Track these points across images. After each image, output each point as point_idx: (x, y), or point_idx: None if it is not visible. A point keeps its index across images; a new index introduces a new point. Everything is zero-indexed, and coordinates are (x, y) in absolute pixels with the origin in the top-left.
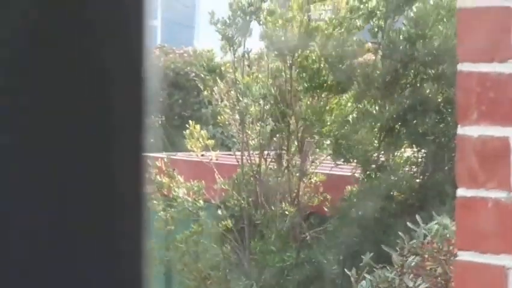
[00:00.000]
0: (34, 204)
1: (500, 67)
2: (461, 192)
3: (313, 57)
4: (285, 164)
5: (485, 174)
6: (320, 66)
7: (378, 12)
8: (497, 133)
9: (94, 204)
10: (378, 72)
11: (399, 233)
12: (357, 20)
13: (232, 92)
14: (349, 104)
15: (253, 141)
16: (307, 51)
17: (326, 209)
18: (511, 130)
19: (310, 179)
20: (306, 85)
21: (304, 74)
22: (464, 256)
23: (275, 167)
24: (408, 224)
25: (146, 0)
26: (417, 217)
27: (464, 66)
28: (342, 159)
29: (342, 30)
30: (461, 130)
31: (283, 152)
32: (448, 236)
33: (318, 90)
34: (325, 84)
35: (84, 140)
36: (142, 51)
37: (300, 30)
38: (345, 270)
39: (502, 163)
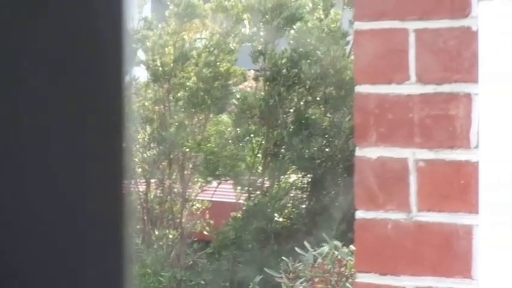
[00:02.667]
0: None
1: (398, 88)
2: (360, 214)
3: (190, 79)
4: (167, 190)
5: (385, 195)
6: (198, 86)
7: (256, 36)
8: (396, 154)
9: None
10: (260, 96)
11: (283, 258)
12: (231, 44)
13: None
14: (229, 128)
15: (139, 169)
16: (184, 74)
17: (209, 235)
18: (410, 151)
19: (192, 205)
20: (184, 105)
21: (181, 94)
22: (363, 278)
23: (160, 194)
24: (296, 248)
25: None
26: (305, 242)
27: (362, 88)
28: (222, 179)
29: (218, 53)
30: (359, 152)
31: (166, 178)
32: (339, 257)
33: (195, 110)
34: (203, 105)
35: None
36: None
37: (175, 55)
38: None
39: (401, 184)
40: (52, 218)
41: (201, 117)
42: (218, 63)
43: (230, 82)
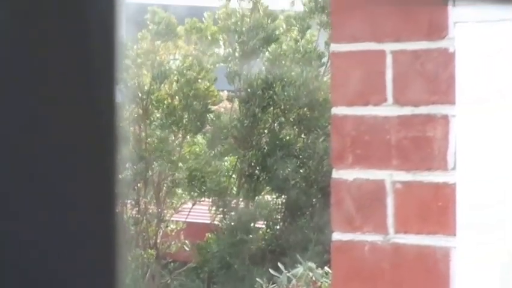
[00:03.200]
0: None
1: (375, 110)
2: (336, 236)
3: (168, 98)
4: (143, 211)
5: (362, 217)
6: (174, 103)
7: (231, 57)
8: (373, 176)
9: None
10: (234, 117)
11: (258, 280)
12: (207, 64)
13: None
14: (205, 149)
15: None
16: (161, 93)
17: (184, 255)
18: (386, 173)
19: (167, 226)
20: (161, 122)
21: (159, 111)
22: None
23: (136, 214)
24: (270, 270)
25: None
26: (279, 264)
27: (338, 110)
28: (196, 194)
29: (198, 71)
30: (336, 174)
31: (142, 199)
32: (313, 278)
33: (173, 127)
34: (180, 124)
35: None
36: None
37: (153, 74)
38: None
39: (378, 206)
40: (43, 238)
41: (178, 137)
42: (199, 81)
43: (208, 101)
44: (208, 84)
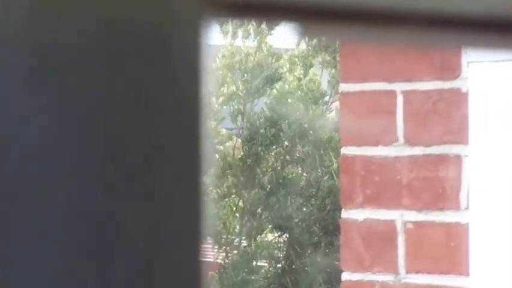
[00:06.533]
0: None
1: (385, 150)
2: (346, 276)
3: None
4: None
5: (372, 257)
6: None
7: (236, 96)
8: (384, 216)
9: None
10: (239, 156)
11: None
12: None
13: None
14: (210, 188)
15: None
16: None
17: None
18: (397, 213)
19: None
20: None
21: None
22: None
23: None
24: None
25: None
26: None
27: (348, 150)
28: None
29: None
30: (345, 214)
31: None
32: None
33: None
34: None
35: None
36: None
37: None
38: None
39: (389, 246)
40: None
41: None
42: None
43: (216, 141)
44: (215, 123)
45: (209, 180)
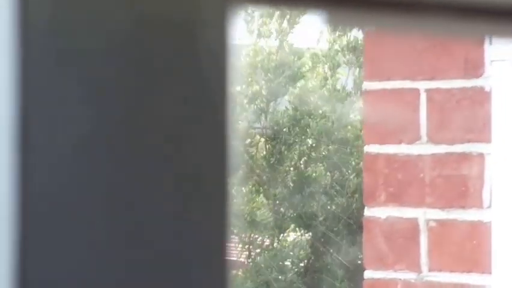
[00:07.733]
0: None
1: (408, 148)
2: (368, 273)
3: None
4: None
5: (394, 255)
6: None
7: (259, 95)
8: (406, 214)
9: None
10: (262, 155)
11: None
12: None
13: None
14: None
15: None
16: None
17: None
18: (420, 211)
19: None
20: None
21: None
22: None
23: None
24: None
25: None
26: None
27: (371, 148)
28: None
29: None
30: (368, 212)
31: None
32: None
33: None
34: None
35: None
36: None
37: None
38: None
39: (411, 244)
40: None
41: None
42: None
43: (247, 142)
44: (245, 123)
45: (235, 179)
